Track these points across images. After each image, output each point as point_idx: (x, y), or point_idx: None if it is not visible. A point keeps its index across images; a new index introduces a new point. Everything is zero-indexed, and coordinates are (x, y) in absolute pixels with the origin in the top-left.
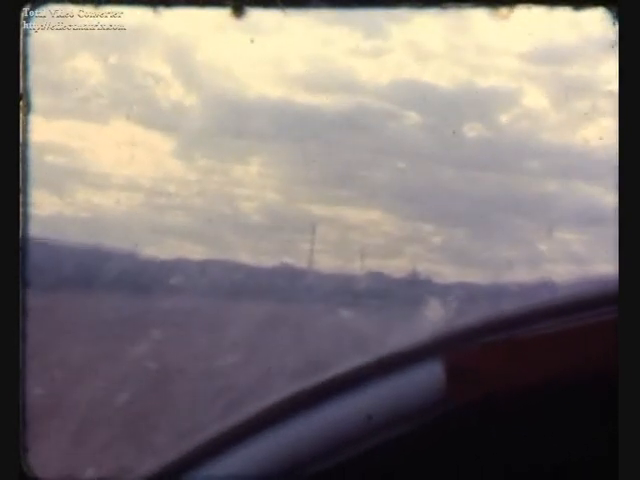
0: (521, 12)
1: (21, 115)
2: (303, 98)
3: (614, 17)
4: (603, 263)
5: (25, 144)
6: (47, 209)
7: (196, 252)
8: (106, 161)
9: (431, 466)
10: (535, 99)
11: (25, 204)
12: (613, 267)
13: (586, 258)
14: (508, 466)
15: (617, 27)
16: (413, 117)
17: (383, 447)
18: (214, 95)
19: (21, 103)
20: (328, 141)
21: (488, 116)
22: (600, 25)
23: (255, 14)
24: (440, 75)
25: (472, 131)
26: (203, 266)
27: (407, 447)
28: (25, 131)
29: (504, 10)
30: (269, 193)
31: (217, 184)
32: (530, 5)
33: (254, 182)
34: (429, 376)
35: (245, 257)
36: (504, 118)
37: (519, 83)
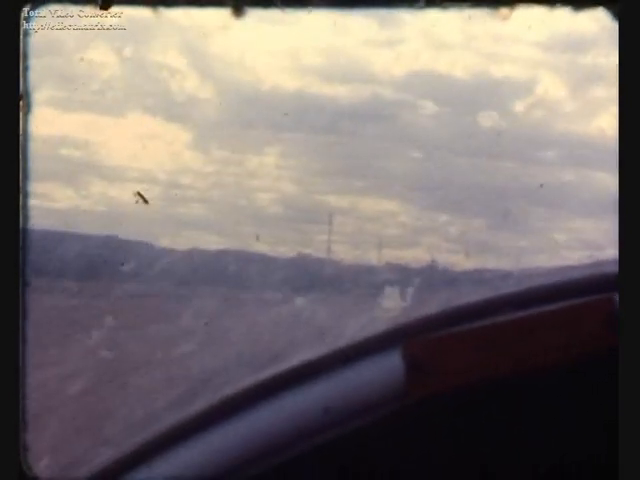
0: (522, 12)
1: (21, 115)
2: (319, 89)
3: (614, 17)
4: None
5: (25, 144)
6: (63, 202)
7: (213, 244)
8: (122, 154)
9: (389, 458)
10: (551, 88)
11: (25, 204)
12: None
13: (602, 247)
14: (467, 457)
15: (617, 26)
16: (429, 107)
17: (341, 439)
18: (230, 86)
19: (21, 103)
20: (344, 131)
21: (504, 105)
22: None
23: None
24: (455, 65)
25: (487, 121)
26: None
27: (365, 439)
28: (25, 130)
29: (504, 10)
30: (286, 184)
31: (233, 176)
32: (530, 5)
33: (270, 173)
34: (389, 367)
35: (262, 248)
36: (519, 107)
37: (534, 72)
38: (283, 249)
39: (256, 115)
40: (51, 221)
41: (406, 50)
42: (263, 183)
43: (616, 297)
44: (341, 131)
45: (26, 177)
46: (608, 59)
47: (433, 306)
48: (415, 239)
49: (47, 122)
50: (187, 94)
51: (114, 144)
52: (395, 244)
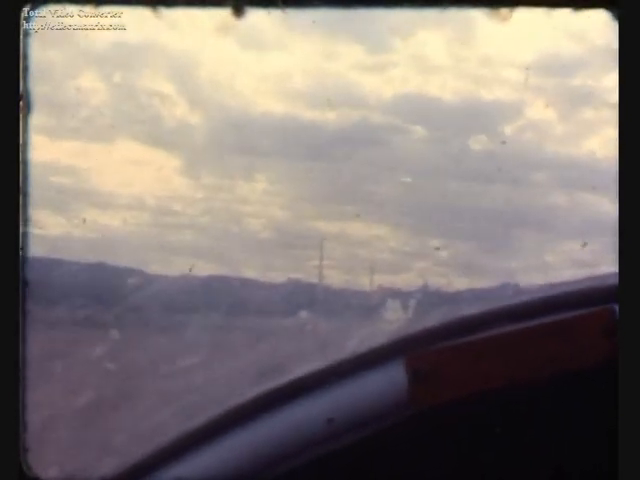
0: (521, 13)
1: (21, 115)
2: (308, 114)
3: (614, 18)
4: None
5: (25, 144)
6: (53, 230)
7: (204, 270)
8: (112, 181)
9: (392, 468)
10: (540, 110)
11: (25, 204)
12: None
13: (594, 269)
14: (469, 466)
15: (617, 28)
16: (418, 131)
17: (344, 450)
18: (219, 112)
19: (21, 103)
20: (333, 157)
21: (493, 128)
22: (600, 26)
23: (258, 29)
24: (444, 88)
25: (477, 144)
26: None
27: (368, 450)
28: (25, 131)
29: (504, 11)
30: (276, 210)
31: (223, 202)
32: (530, 6)
33: (260, 199)
34: (391, 379)
35: (253, 274)
36: (509, 130)
37: (524, 94)
38: (274, 275)
39: (246, 141)
40: (42, 249)
41: (395, 74)
42: (253, 209)
43: (613, 308)
44: (330, 156)
45: (26, 177)
46: (598, 82)
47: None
48: (406, 264)
49: (37, 149)
50: (176, 120)
51: (104, 171)
52: (387, 269)
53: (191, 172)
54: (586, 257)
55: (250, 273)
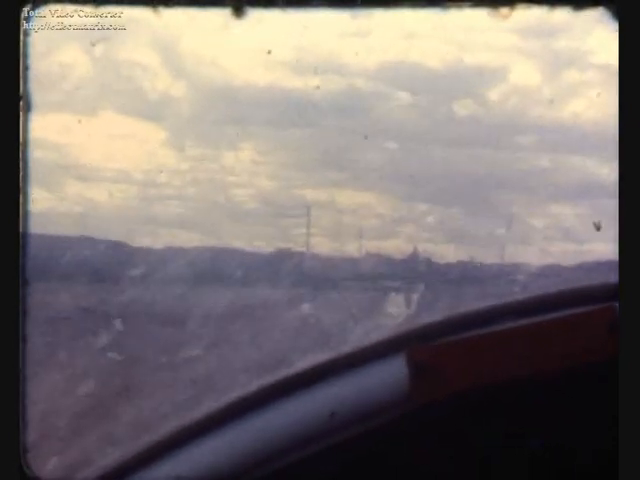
0: (521, 12)
1: (21, 115)
2: (292, 82)
3: (613, 16)
4: (597, 238)
5: (25, 144)
6: (39, 205)
7: (191, 241)
8: (96, 154)
9: (394, 462)
10: (524, 74)
11: (25, 202)
12: (607, 243)
13: (580, 233)
14: (469, 460)
15: (617, 26)
16: (403, 97)
17: (346, 443)
18: (202, 83)
19: (21, 103)
20: (318, 125)
21: (478, 93)
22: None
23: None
24: (428, 54)
25: (463, 109)
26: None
27: (370, 444)
28: (25, 131)
29: (504, 10)
30: (262, 179)
31: (210, 172)
32: (530, 5)
33: (247, 169)
34: (393, 373)
35: (241, 244)
36: (494, 94)
37: (508, 59)
38: (262, 244)
39: (231, 111)
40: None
41: (378, 41)
42: (239, 179)
43: (616, 306)
44: (315, 124)
45: (26, 178)
46: (581, 43)
47: (437, 312)
48: (394, 229)
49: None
50: (160, 92)
51: (88, 144)
52: (374, 235)
53: (177, 144)
54: (573, 223)
55: (237, 243)
